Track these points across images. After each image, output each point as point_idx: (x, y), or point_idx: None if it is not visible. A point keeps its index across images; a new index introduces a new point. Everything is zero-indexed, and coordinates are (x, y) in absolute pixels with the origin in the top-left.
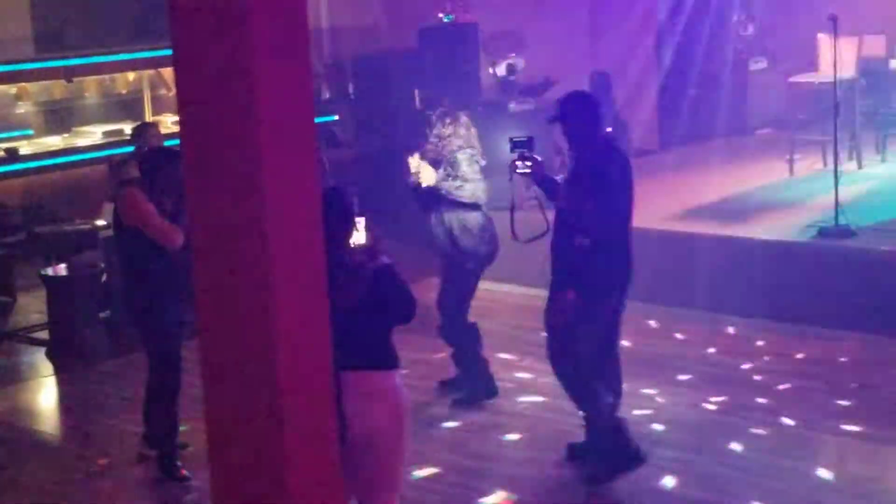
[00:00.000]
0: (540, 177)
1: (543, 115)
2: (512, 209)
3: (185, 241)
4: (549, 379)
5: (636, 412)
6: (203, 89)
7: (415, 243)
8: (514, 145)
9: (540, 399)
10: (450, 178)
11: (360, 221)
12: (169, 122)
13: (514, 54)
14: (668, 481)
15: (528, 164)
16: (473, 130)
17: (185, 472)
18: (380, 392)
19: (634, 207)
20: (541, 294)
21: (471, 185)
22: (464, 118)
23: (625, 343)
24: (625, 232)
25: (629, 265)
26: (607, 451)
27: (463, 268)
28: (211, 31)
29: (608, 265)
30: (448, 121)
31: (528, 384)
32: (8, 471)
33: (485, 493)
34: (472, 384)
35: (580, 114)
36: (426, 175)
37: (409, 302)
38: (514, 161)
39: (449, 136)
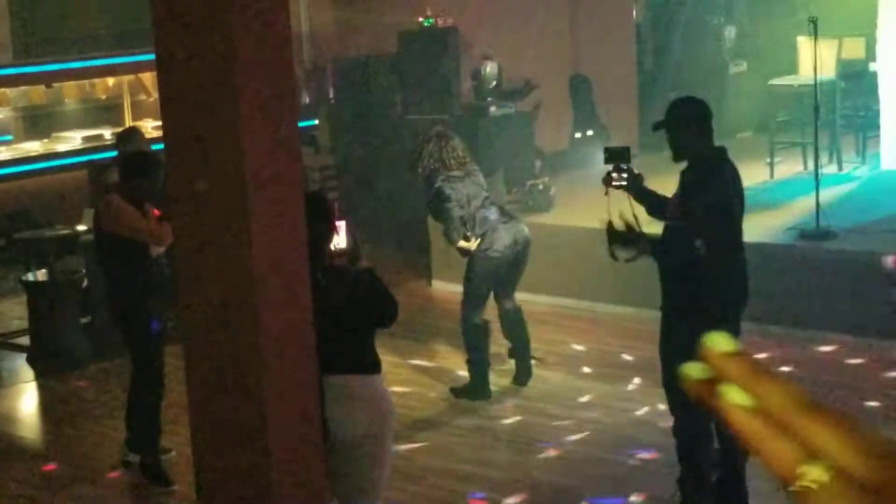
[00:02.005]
0: (638, 190)
1: (522, 118)
2: (610, 227)
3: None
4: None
5: (623, 414)
6: (183, 94)
7: (394, 247)
8: (610, 156)
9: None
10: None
11: (341, 226)
12: (149, 128)
13: (489, 59)
14: (660, 485)
15: (625, 176)
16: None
17: (168, 477)
18: (363, 396)
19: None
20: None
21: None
22: (458, 143)
23: (609, 347)
24: (737, 246)
25: (745, 285)
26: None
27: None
28: (193, 37)
29: (724, 285)
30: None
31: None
32: None
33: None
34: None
35: (691, 120)
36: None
37: (390, 305)
38: (609, 173)
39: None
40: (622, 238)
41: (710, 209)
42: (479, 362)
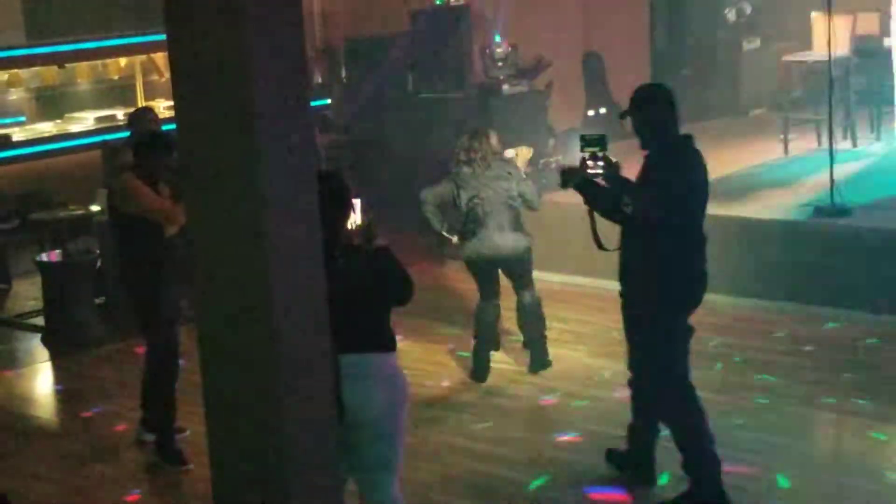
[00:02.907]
0: (614, 179)
1: (535, 96)
2: (591, 215)
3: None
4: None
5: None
6: (196, 74)
7: (408, 226)
8: (585, 143)
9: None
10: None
11: (356, 204)
12: (162, 108)
13: (503, 36)
14: (669, 460)
15: (601, 164)
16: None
17: (183, 456)
18: (378, 374)
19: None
20: None
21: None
22: (491, 142)
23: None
24: (695, 236)
25: (699, 283)
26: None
27: None
28: (204, 17)
29: (678, 277)
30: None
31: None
32: (6, 456)
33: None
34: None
35: (654, 107)
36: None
37: (406, 284)
38: (584, 160)
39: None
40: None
41: (657, 186)
42: (475, 345)
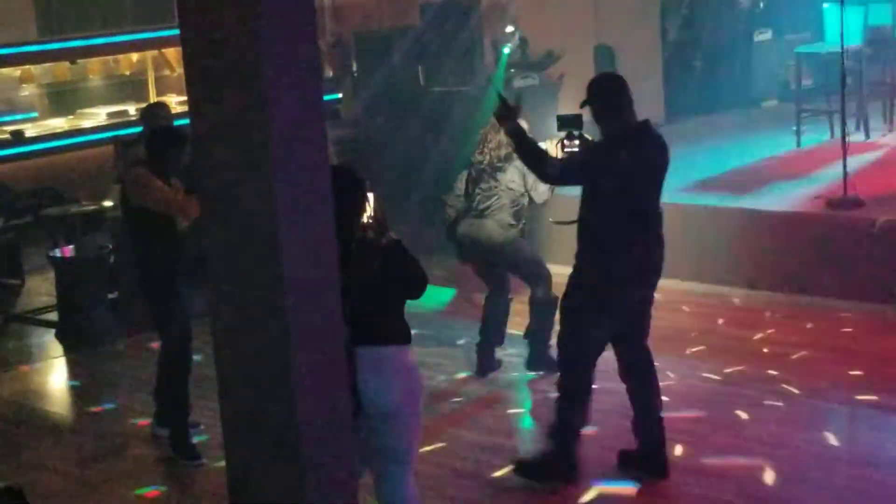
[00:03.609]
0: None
1: (547, 88)
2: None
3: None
4: None
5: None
6: (208, 69)
7: (418, 219)
8: (562, 123)
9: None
10: None
11: (369, 198)
12: (174, 103)
13: (512, 28)
14: (678, 451)
15: (576, 143)
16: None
17: (197, 451)
18: (393, 367)
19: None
20: None
21: None
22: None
23: None
24: (633, 220)
25: (639, 264)
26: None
27: None
28: (217, 11)
29: (615, 256)
30: None
31: None
32: (19, 451)
33: (497, 468)
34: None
35: (603, 97)
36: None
37: (420, 277)
38: (561, 140)
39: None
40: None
41: (577, 162)
42: (479, 339)
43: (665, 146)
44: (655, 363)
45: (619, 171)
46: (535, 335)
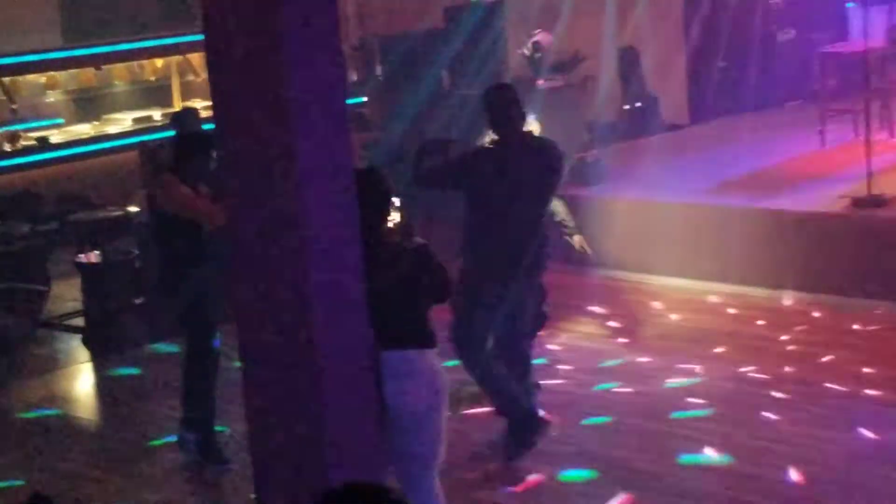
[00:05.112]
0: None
1: (572, 91)
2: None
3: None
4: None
5: (673, 384)
6: (234, 74)
7: (443, 223)
8: None
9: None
10: None
11: (395, 202)
12: (199, 108)
13: (539, 31)
14: (707, 452)
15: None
16: None
17: (224, 455)
18: (417, 370)
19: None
20: None
21: None
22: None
23: (660, 318)
24: (492, 218)
25: (499, 259)
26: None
27: None
28: (241, 17)
29: (483, 248)
30: None
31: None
32: (48, 457)
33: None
34: None
35: (490, 105)
36: None
37: (445, 281)
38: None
39: None
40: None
41: (443, 168)
42: None
43: (550, 158)
44: (683, 364)
45: (482, 178)
46: None
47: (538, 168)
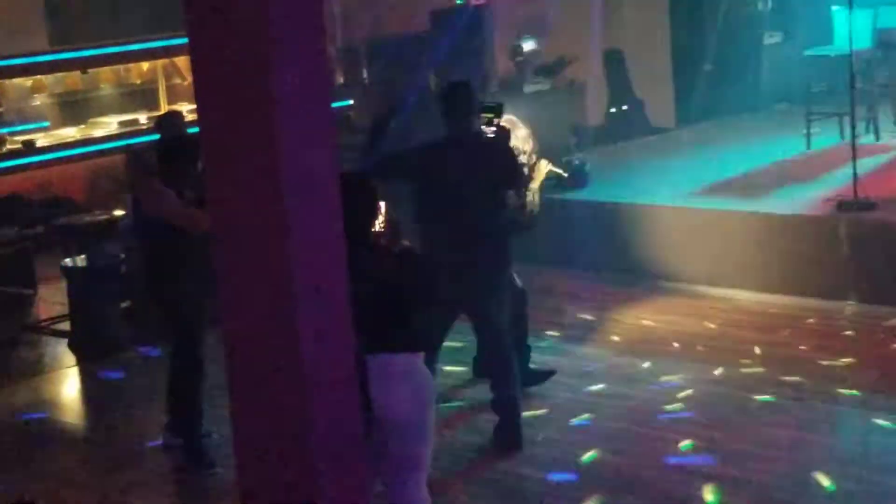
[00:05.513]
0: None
1: (557, 94)
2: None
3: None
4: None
5: (658, 387)
6: (219, 79)
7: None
8: (483, 110)
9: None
10: None
11: (381, 206)
12: (185, 111)
13: (525, 35)
14: (692, 455)
15: (493, 129)
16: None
17: (210, 459)
18: (404, 374)
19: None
20: None
21: None
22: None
23: (647, 322)
24: (429, 217)
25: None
26: None
27: None
28: (226, 20)
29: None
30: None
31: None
32: (33, 462)
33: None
34: None
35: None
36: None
37: (433, 285)
38: (481, 126)
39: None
40: None
41: (387, 160)
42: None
43: (499, 156)
44: (670, 367)
45: (426, 173)
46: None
47: (485, 166)
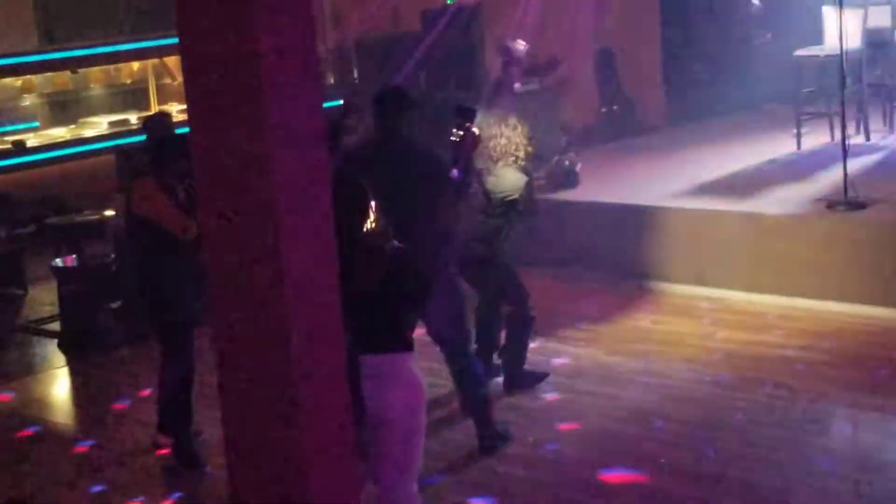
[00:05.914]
0: (461, 151)
1: (548, 94)
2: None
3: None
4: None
5: (646, 388)
6: (209, 78)
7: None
8: (456, 114)
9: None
10: None
11: (371, 206)
12: (175, 111)
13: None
14: (680, 456)
15: (461, 133)
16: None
17: (200, 459)
18: (396, 375)
19: None
20: None
21: None
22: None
23: (638, 322)
24: None
25: None
26: None
27: None
28: (216, 22)
29: None
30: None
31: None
32: (23, 462)
33: (503, 476)
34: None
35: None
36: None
37: (425, 285)
38: (452, 129)
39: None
40: None
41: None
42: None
43: (426, 166)
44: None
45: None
46: (509, 353)
47: (405, 171)
